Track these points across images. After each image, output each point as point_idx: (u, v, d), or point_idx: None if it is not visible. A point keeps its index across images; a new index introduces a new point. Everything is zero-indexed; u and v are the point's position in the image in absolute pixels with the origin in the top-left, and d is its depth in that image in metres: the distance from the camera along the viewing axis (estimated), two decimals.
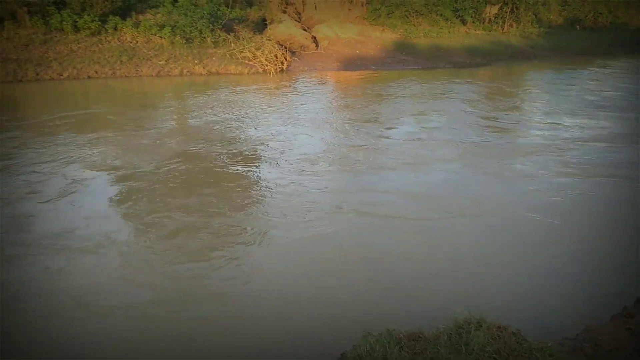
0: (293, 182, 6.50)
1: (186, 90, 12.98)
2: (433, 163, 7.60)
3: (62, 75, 13.26)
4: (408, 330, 3.34)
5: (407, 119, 10.43)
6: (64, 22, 14.55)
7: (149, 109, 10.78)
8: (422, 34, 21.61)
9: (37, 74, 12.97)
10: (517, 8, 23.41)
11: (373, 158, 7.68)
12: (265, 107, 11.14)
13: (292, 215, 5.59)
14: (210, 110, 10.54)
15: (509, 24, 23.54)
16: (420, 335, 3.32)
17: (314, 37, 20.01)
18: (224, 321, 3.93)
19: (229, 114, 10.28)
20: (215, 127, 9.11)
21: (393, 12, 22.02)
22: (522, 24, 23.90)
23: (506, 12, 23.32)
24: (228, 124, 9.36)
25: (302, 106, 11.37)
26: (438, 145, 8.45)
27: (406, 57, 19.44)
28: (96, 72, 13.76)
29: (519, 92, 14.26)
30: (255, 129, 9.21)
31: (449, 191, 6.53)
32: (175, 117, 10.27)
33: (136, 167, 6.87)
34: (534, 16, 24.51)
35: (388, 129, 9.60)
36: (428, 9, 22.30)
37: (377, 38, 21.03)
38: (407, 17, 22.24)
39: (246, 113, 10.40)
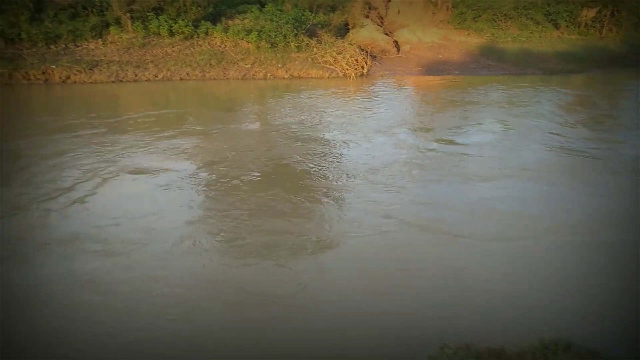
0: (362, 189, 6.47)
1: (269, 93, 13.43)
2: (514, 176, 7.26)
3: (157, 76, 14.23)
4: (489, 346, 3.23)
5: (487, 127, 10.06)
6: (161, 27, 15.62)
7: (233, 109, 11.28)
8: (510, 39, 20.71)
9: (136, 75, 14.01)
10: (618, 11, 21.67)
11: (449, 168, 7.46)
12: (341, 110, 11.23)
13: (363, 225, 5.55)
14: (288, 112, 10.82)
15: (608, 28, 21.85)
16: (502, 352, 3.20)
17: (395, 42, 19.85)
18: (290, 332, 3.94)
19: (305, 116, 10.48)
20: (291, 128, 9.33)
21: (480, 16, 21.30)
22: (623, 27, 22.08)
23: (605, 16, 21.66)
24: (304, 126, 9.55)
25: (378, 110, 11.33)
26: (519, 156, 8.06)
27: (492, 62, 18.71)
28: (187, 74, 14.62)
29: (615, 102, 13.21)
30: (330, 132, 9.30)
31: (532, 207, 6.19)
32: (256, 118, 10.65)
33: (215, 160, 7.19)
34: (638, 19, 22.54)
35: (466, 136, 9.32)
36: (518, 12, 21.30)
37: (462, 42, 20.44)
38: (495, 21, 21.41)
39: (322, 116, 10.55)
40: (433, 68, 17.85)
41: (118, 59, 14.52)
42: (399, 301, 4.25)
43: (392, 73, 17.01)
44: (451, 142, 8.80)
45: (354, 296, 4.31)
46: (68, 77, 13.23)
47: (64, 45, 14.46)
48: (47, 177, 6.43)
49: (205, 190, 6.31)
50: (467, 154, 8.09)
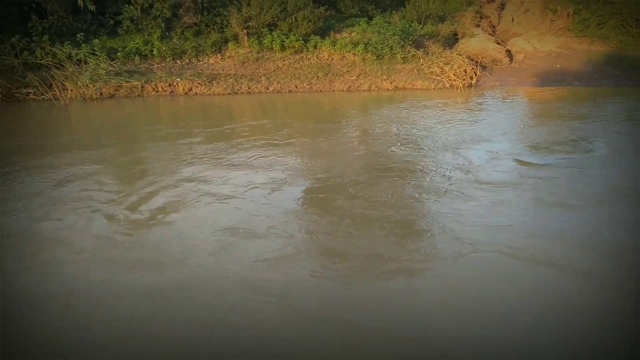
0: (459, 206, 6.19)
1: (372, 104, 13.50)
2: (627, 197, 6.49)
3: (268, 89, 15.03)
4: None
5: (606, 143, 9.11)
6: (274, 42, 16.51)
7: (335, 120, 11.52)
8: None
9: (249, 88, 14.93)
10: None
11: (551, 190, 6.81)
12: (445, 122, 10.90)
13: (461, 243, 5.30)
14: (390, 123, 10.76)
15: None
16: None
17: (508, 51, 18.92)
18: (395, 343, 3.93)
19: (406, 127, 10.35)
20: (392, 139, 9.26)
21: (606, 22, 19.52)
22: None
23: None
24: (405, 138, 9.42)
25: (485, 124, 10.82)
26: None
27: (619, 72, 17.01)
28: (296, 87, 15.26)
29: None
30: (435, 143, 9.06)
31: None
32: (358, 129, 10.75)
33: (318, 171, 7.38)
34: None
35: (583, 153, 8.53)
36: None
37: (583, 51, 18.88)
38: (624, 27, 19.44)
39: (425, 127, 10.33)
40: (550, 78, 16.68)
41: (234, 73, 15.59)
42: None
43: (504, 84, 16.19)
44: (559, 161, 8.12)
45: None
46: (190, 89, 14.50)
47: (188, 60, 15.91)
48: (165, 181, 7.07)
49: (303, 201, 6.49)
50: (580, 173, 7.42)
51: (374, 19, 18.80)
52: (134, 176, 7.18)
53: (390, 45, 16.70)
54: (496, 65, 17.80)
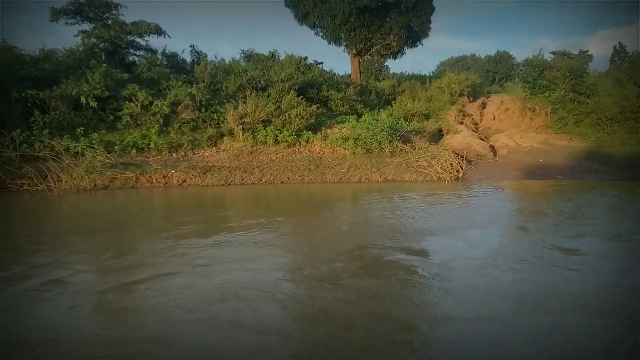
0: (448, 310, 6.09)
1: (363, 195, 13.75)
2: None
3: (261, 180, 15.34)
4: None
5: (606, 236, 9.22)
6: (268, 137, 17.20)
7: (328, 210, 11.65)
8: (618, 142, 19.64)
9: (242, 179, 15.24)
10: None
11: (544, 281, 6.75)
12: (435, 214, 11.06)
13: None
14: (380, 214, 10.89)
15: None
16: None
17: (491, 146, 19.77)
18: None
19: (396, 218, 10.46)
20: (382, 230, 9.30)
21: (582, 120, 20.73)
22: None
23: None
24: (394, 229, 9.47)
25: (475, 216, 10.99)
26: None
27: (599, 167, 17.68)
28: (288, 178, 15.60)
29: None
30: (423, 234, 9.11)
31: None
32: (349, 218, 10.83)
33: (304, 261, 7.31)
34: None
35: (580, 244, 8.59)
36: (625, 116, 20.35)
37: (563, 147, 19.79)
38: (599, 125, 20.61)
39: (414, 219, 10.44)
40: (534, 172, 17.26)
41: (228, 165, 16.00)
42: None
43: (490, 177, 16.70)
44: (556, 252, 8.16)
45: None
46: (184, 181, 14.76)
47: (184, 153, 16.39)
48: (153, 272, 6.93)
49: (291, 288, 6.37)
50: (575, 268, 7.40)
51: (363, 116, 19.79)
52: (112, 269, 7.05)
53: (379, 140, 17.42)
54: (481, 159, 18.48)
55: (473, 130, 21.84)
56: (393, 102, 23.44)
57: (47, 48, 18.60)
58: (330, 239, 8.85)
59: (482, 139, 20.49)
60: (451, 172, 16.32)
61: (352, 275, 6.64)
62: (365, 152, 17.35)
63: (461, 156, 17.35)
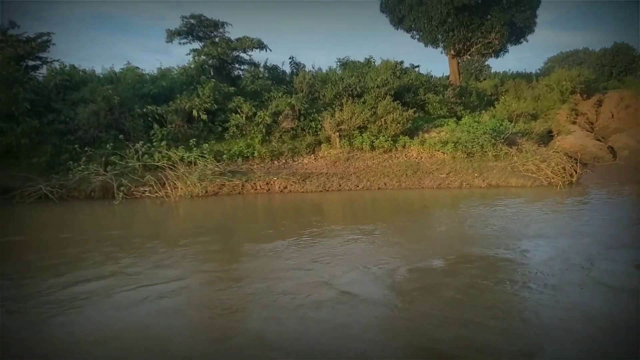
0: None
1: (463, 201, 13.25)
2: None
3: (358, 186, 15.46)
4: None
5: None
6: (364, 143, 17.31)
7: (427, 216, 11.41)
8: None
9: (340, 185, 15.48)
10: None
11: None
12: (547, 222, 10.30)
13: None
14: (486, 222, 10.39)
15: None
16: None
17: (610, 147, 17.98)
18: None
19: (502, 225, 9.91)
20: (484, 240, 8.85)
21: None
22: None
23: None
24: (497, 239, 8.95)
25: (595, 226, 10.03)
26: None
27: None
28: (385, 184, 15.54)
29: None
30: (530, 243, 8.50)
31: None
32: (449, 226, 10.49)
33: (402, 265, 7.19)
34: None
35: None
36: None
37: None
38: None
39: (523, 227, 9.80)
40: None
41: (326, 171, 16.37)
42: None
43: (608, 181, 15.20)
44: None
45: None
46: (285, 187, 15.36)
47: (284, 161, 17.08)
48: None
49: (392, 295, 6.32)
50: None
51: (463, 118, 19.10)
52: (220, 269, 7.53)
53: (481, 143, 16.69)
54: (598, 162, 16.90)
55: (588, 131, 20.03)
56: (496, 102, 22.30)
57: (163, 67, 20.56)
58: (431, 245, 8.66)
59: (598, 140, 18.74)
60: (564, 177, 15.11)
61: (452, 288, 6.44)
62: (465, 156, 16.72)
63: (575, 159, 16.00)
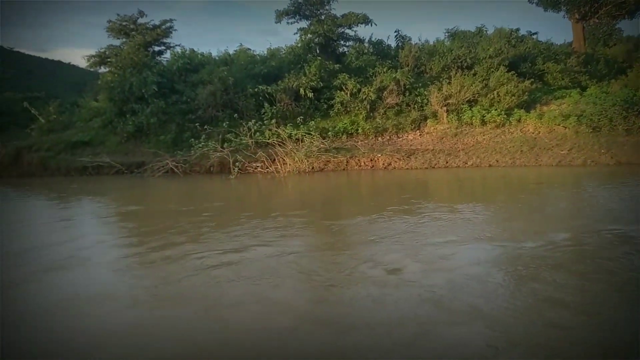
0: None
1: (587, 180, 12.10)
2: None
3: (466, 163, 14.85)
4: None
5: None
6: (474, 117, 16.49)
7: (546, 195, 10.62)
8: None
9: (447, 162, 15.00)
10: None
11: None
12: None
13: None
14: (609, 202, 9.40)
15: None
16: None
17: None
18: None
19: (630, 209, 8.87)
20: (613, 221, 7.99)
21: None
22: None
23: None
24: (620, 224, 8.00)
25: None
26: None
27: None
28: (497, 161, 14.73)
29: None
30: None
31: None
32: (570, 204, 9.66)
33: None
34: None
35: None
36: None
37: None
38: None
39: None
40: None
41: (432, 148, 15.94)
42: None
43: None
44: None
45: None
46: (389, 164, 15.28)
47: (388, 137, 16.94)
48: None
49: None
50: None
51: (588, 89, 17.32)
52: (325, 240, 7.75)
53: (609, 116, 15.04)
54: None
55: None
56: (629, 70, 19.81)
57: (272, 48, 21.35)
58: (550, 225, 8.09)
59: None
60: None
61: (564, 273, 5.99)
62: (591, 130, 15.18)
63: None
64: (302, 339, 4.28)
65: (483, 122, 16.48)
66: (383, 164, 15.39)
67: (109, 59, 20.71)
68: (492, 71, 17.48)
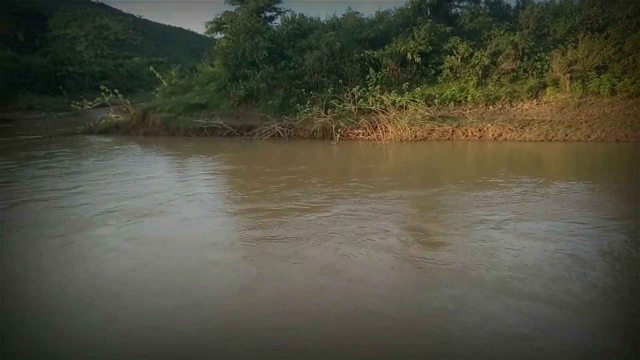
0: None
1: None
2: None
3: (589, 137, 13.46)
4: None
5: None
6: (602, 86, 14.77)
7: None
8: None
9: (566, 135, 13.72)
10: None
11: None
12: None
13: None
14: None
15: None
16: None
17: None
18: None
19: None
20: None
21: None
22: None
23: None
24: None
25: None
26: None
27: None
28: (626, 136, 13.16)
29: None
30: None
31: None
32: None
33: None
34: None
35: None
36: None
37: None
38: None
39: None
40: None
41: (550, 119, 14.67)
42: None
43: None
44: None
45: None
46: (500, 135, 14.37)
47: (500, 106, 15.88)
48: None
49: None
50: None
51: None
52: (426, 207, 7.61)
53: None
54: None
55: None
56: None
57: (381, 10, 20.82)
58: None
59: None
60: None
61: None
62: None
63: None
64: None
65: (613, 92, 14.70)
66: (493, 135, 14.53)
67: (224, 25, 21.71)
68: (630, 33, 15.36)
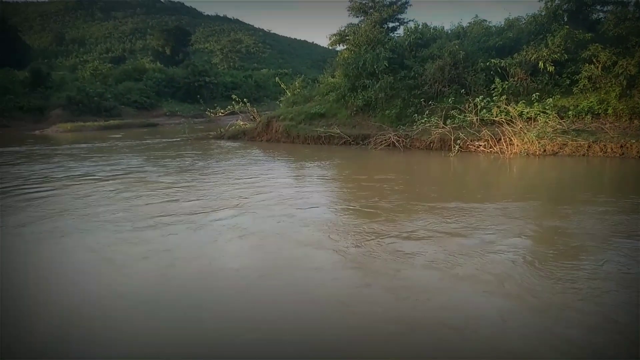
0: None
1: None
2: None
3: None
4: None
5: None
6: None
7: None
8: None
9: None
10: None
11: None
12: None
13: None
14: None
15: None
16: None
17: None
18: None
19: None
20: None
21: None
22: None
23: None
24: None
25: None
26: None
27: None
28: None
29: None
30: None
31: None
32: None
33: None
34: None
35: None
36: None
37: None
38: None
39: None
40: None
41: None
42: None
43: None
44: None
45: None
46: None
47: None
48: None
49: None
50: None
51: None
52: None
53: None
54: None
55: None
56: None
57: (511, 17, 19.68)
58: None
59: None
60: None
61: None
62: None
63: None
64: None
65: None
66: (638, 153, 12.89)
67: (347, 37, 22.26)
68: None
